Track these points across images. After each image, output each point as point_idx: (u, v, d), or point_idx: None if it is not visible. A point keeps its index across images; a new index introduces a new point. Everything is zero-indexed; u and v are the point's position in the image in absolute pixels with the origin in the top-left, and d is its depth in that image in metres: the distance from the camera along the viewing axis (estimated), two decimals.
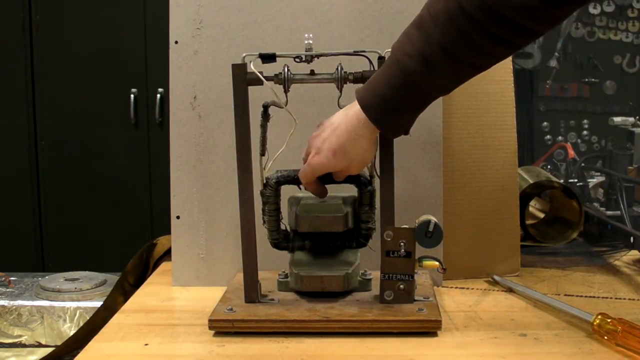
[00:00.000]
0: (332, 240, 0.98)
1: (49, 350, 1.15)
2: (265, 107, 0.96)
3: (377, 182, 0.97)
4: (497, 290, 1.09)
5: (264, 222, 0.98)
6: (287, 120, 0.96)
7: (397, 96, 0.87)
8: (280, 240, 0.99)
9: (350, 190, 0.98)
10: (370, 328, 0.89)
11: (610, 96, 2.60)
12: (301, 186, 0.97)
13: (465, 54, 0.84)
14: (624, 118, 2.15)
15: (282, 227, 0.99)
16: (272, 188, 0.96)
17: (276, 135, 1.01)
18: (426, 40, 0.84)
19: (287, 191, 0.98)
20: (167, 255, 1.23)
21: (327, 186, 0.95)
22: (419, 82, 0.86)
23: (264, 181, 0.97)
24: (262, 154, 0.97)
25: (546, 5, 0.79)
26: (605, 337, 0.85)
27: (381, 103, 0.87)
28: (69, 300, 1.29)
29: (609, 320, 0.85)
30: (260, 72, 0.93)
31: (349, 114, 0.90)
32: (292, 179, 0.96)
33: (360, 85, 0.92)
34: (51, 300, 1.30)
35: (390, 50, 0.89)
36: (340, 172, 0.93)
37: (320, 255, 0.98)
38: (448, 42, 0.83)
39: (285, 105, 0.95)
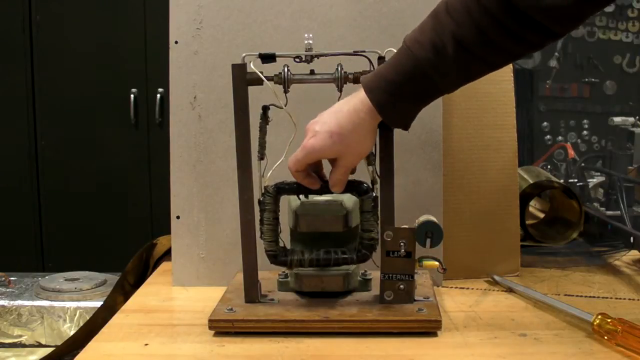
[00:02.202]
0: (333, 252, 0.94)
1: (49, 350, 1.15)
2: (265, 109, 0.95)
3: (377, 188, 0.95)
4: (497, 290, 1.09)
5: (262, 233, 0.94)
6: (288, 121, 0.96)
7: (403, 82, 0.86)
8: (279, 253, 0.95)
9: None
10: (370, 328, 0.89)
11: (610, 96, 2.60)
12: (301, 196, 0.95)
13: (478, 47, 0.84)
14: (624, 118, 2.15)
15: (281, 243, 0.95)
16: (271, 196, 0.94)
17: (276, 136, 1.01)
18: (439, 31, 0.83)
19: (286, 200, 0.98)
20: (167, 255, 1.23)
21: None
22: (427, 71, 0.85)
23: (262, 190, 0.94)
24: (261, 158, 0.95)
25: (566, 4, 0.79)
26: (605, 337, 0.85)
27: (386, 87, 0.86)
28: (69, 300, 1.29)
29: (609, 320, 0.85)
30: (261, 72, 0.93)
31: (351, 100, 0.89)
32: (293, 188, 0.93)
33: (360, 86, 0.91)
34: (51, 300, 1.29)
35: (390, 50, 0.89)
36: (334, 162, 0.90)
37: None
38: (462, 34, 0.83)
39: (285, 106, 0.94)
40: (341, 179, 0.91)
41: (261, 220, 0.94)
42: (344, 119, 0.88)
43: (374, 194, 0.94)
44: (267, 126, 0.96)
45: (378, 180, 0.95)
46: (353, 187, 0.93)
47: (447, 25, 0.83)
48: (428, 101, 0.90)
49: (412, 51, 0.85)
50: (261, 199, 0.94)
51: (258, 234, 0.95)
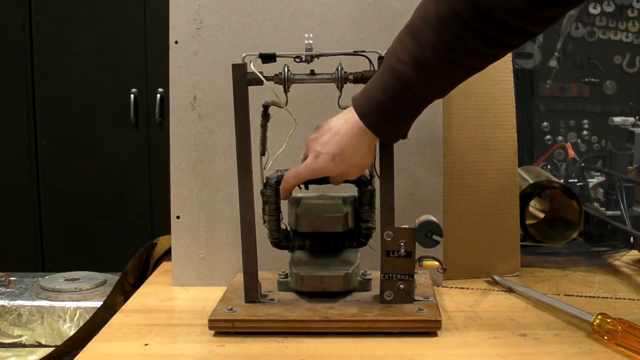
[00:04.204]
0: (332, 240, 0.98)
1: (49, 350, 1.15)
2: (266, 107, 0.96)
3: (377, 182, 0.97)
4: (497, 290, 1.09)
5: (264, 221, 0.98)
6: (287, 120, 0.96)
7: (393, 103, 0.87)
8: (281, 240, 0.99)
9: (351, 190, 0.98)
10: (370, 328, 0.89)
11: (610, 96, 2.60)
12: (301, 185, 0.97)
13: (459, 57, 0.84)
14: (624, 118, 2.14)
15: (283, 226, 0.99)
16: (272, 188, 0.96)
17: (276, 135, 1.02)
18: (419, 45, 0.83)
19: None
20: (167, 255, 1.23)
21: (327, 185, 0.95)
22: (413, 88, 0.85)
23: (264, 181, 0.97)
24: (263, 153, 0.97)
25: (535, 7, 0.78)
26: (605, 337, 0.85)
27: (378, 111, 0.87)
28: (69, 300, 1.29)
29: (609, 320, 0.85)
30: (260, 72, 0.93)
31: (348, 120, 0.89)
32: None
33: (360, 85, 0.92)
34: (51, 300, 1.29)
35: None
36: (337, 177, 0.93)
37: (320, 255, 0.98)
38: (441, 47, 0.82)
39: (285, 105, 0.95)
40: (340, 183, 0.95)
41: (264, 210, 0.97)
42: (344, 143, 0.89)
43: (372, 187, 0.96)
44: (268, 123, 0.97)
45: (376, 175, 0.96)
46: (353, 179, 0.95)
47: (426, 39, 0.83)
48: (421, 111, 0.90)
49: (397, 70, 0.85)
50: (263, 189, 0.97)
51: (259, 224, 0.97)
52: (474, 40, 0.82)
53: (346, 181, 0.95)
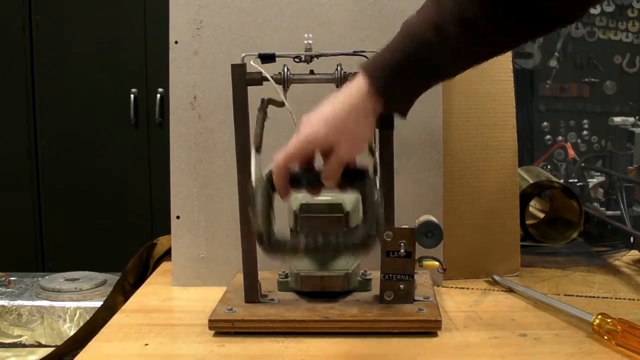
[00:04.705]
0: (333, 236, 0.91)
1: (49, 350, 1.15)
2: (264, 100, 0.94)
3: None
4: (497, 290, 1.09)
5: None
6: (287, 121, 0.96)
7: (405, 63, 0.82)
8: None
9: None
10: (370, 328, 0.89)
11: (610, 96, 2.60)
12: (300, 195, 0.94)
13: (480, 25, 0.82)
14: (624, 118, 2.14)
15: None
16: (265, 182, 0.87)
17: (276, 135, 1.01)
18: (440, 11, 0.82)
19: None
20: (167, 255, 1.23)
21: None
22: (429, 52, 0.82)
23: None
24: (258, 150, 0.90)
25: None
26: (605, 337, 0.85)
27: (387, 68, 0.83)
28: (69, 300, 1.29)
29: (609, 320, 0.85)
30: (260, 72, 0.93)
31: (347, 86, 0.85)
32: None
33: None
34: (51, 300, 1.30)
35: None
36: (329, 152, 0.82)
37: None
38: (464, 12, 0.81)
39: (284, 106, 0.94)
40: (335, 170, 0.82)
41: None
42: (339, 105, 0.83)
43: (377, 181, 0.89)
44: (265, 122, 0.95)
45: (379, 171, 0.91)
46: (355, 175, 0.86)
47: (449, 6, 0.81)
48: (429, 84, 0.87)
49: (414, 34, 0.82)
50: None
51: None
52: (500, 10, 0.81)
53: (345, 181, 0.92)
